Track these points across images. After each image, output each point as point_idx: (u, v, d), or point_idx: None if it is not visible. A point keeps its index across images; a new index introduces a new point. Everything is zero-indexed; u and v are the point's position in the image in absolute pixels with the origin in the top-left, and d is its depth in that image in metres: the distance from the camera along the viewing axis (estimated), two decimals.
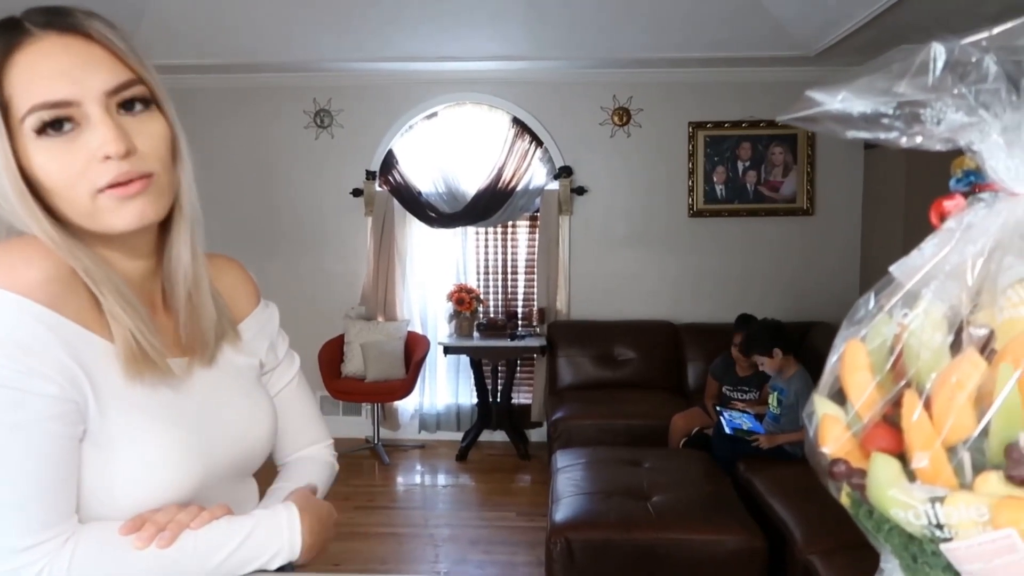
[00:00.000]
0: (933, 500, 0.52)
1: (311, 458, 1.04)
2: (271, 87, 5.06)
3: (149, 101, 0.80)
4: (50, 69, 0.74)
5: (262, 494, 1.00)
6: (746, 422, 3.64)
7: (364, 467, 4.78)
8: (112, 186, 0.76)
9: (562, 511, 2.85)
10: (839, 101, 0.61)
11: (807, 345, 4.50)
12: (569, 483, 3.09)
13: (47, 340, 0.73)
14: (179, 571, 0.78)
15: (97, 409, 0.77)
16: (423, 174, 5.07)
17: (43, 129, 0.74)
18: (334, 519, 0.94)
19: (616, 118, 5.04)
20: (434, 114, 5.09)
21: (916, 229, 4.25)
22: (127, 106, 0.78)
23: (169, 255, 0.87)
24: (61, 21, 0.76)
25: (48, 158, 0.75)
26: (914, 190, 4.33)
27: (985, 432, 0.52)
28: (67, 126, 0.75)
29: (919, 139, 0.60)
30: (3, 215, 0.78)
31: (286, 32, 4.34)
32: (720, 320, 4.70)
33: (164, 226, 0.87)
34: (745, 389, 4.02)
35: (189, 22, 4.00)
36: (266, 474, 1.00)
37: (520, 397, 5.18)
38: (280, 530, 0.84)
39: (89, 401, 0.77)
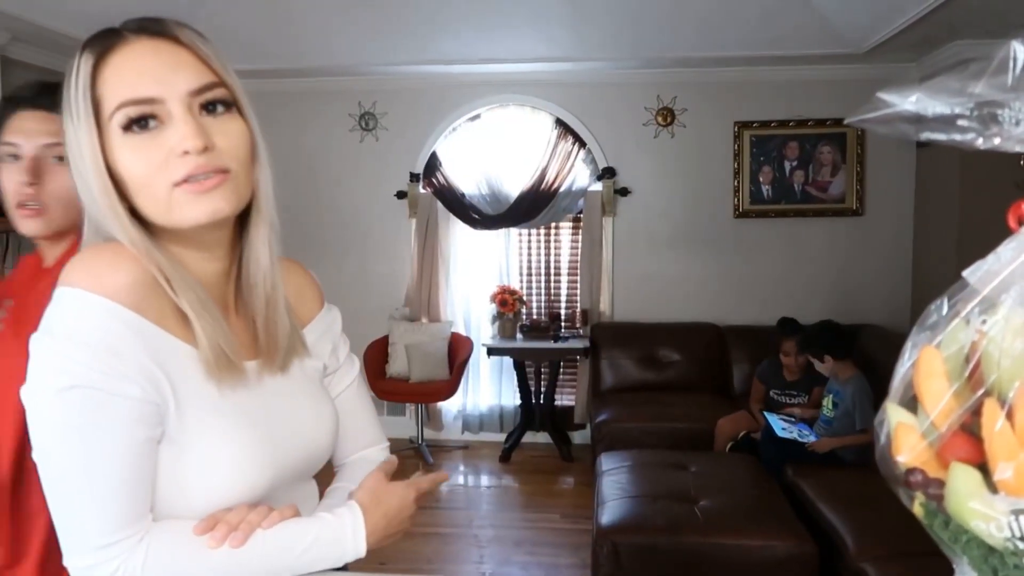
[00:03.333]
0: (1017, 512, 0.51)
1: (370, 460, 1.06)
2: (316, 91, 5.13)
3: (230, 103, 0.83)
4: (138, 69, 0.79)
5: (321, 494, 1.01)
6: (794, 432, 3.58)
7: (408, 467, 4.75)
8: (188, 181, 0.79)
9: (608, 514, 2.83)
10: (913, 102, 0.60)
11: (856, 348, 4.42)
12: (615, 486, 3.07)
13: (132, 343, 0.76)
14: (249, 571, 0.80)
15: (176, 411, 0.79)
16: (466, 176, 5.10)
17: (129, 126, 0.78)
18: (407, 506, 0.96)
19: (660, 118, 5.01)
20: (477, 116, 5.11)
21: (971, 230, 4.14)
22: (209, 107, 0.81)
23: (248, 257, 0.90)
24: (153, 26, 0.81)
25: (132, 153, 0.79)
26: (968, 190, 4.22)
27: None
28: (151, 123, 0.79)
29: (997, 140, 0.58)
30: (92, 216, 0.82)
31: (331, 36, 4.40)
32: (766, 322, 4.63)
33: (241, 228, 0.89)
34: (793, 393, 3.96)
35: (235, 27, 4.08)
36: (324, 475, 1.02)
37: (563, 399, 5.16)
38: (345, 534, 0.85)
39: (169, 403, 0.79)
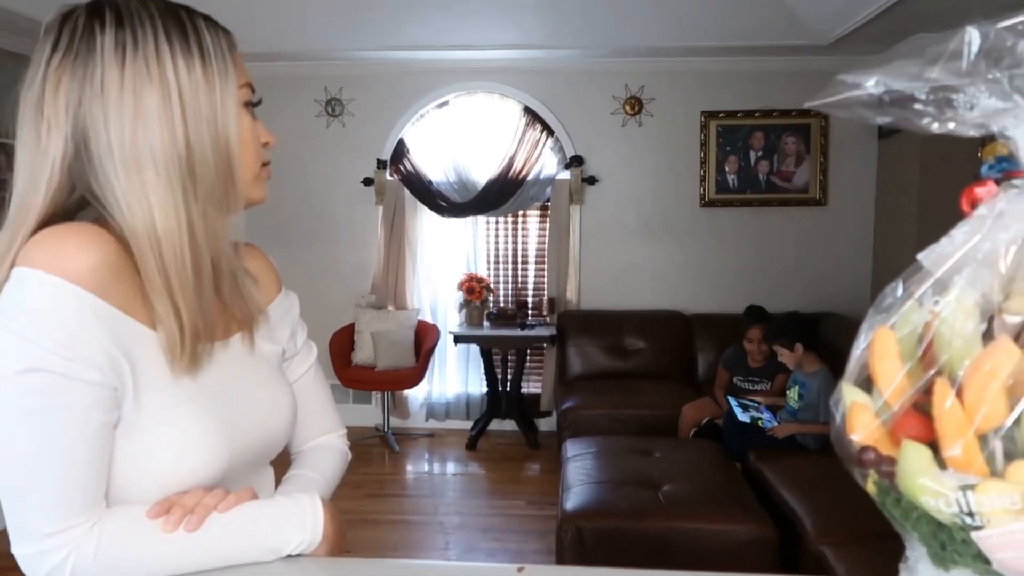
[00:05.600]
0: (964, 488, 0.52)
1: (326, 447, 1.05)
2: (282, 76, 5.05)
3: None
4: (243, 63, 0.88)
5: (277, 482, 1.00)
6: (755, 417, 3.63)
7: (374, 455, 4.80)
8: (266, 167, 0.91)
9: (573, 500, 2.85)
10: (872, 86, 0.61)
11: (819, 335, 4.49)
12: (579, 472, 3.09)
13: (92, 327, 0.74)
14: (205, 555, 0.78)
15: (134, 395, 0.78)
16: (434, 163, 5.07)
17: (251, 103, 0.88)
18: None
19: (628, 107, 5.02)
20: (445, 103, 5.08)
21: (930, 219, 4.22)
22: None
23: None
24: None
25: (252, 126, 0.87)
26: (928, 180, 4.30)
27: (1018, 421, 0.52)
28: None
29: (952, 124, 0.59)
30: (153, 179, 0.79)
31: (298, 21, 4.33)
32: (731, 311, 4.69)
33: None
34: (756, 380, 4.01)
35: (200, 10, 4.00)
36: (281, 461, 1.01)
37: (530, 386, 5.19)
38: (304, 518, 0.84)
39: (128, 387, 0.77)
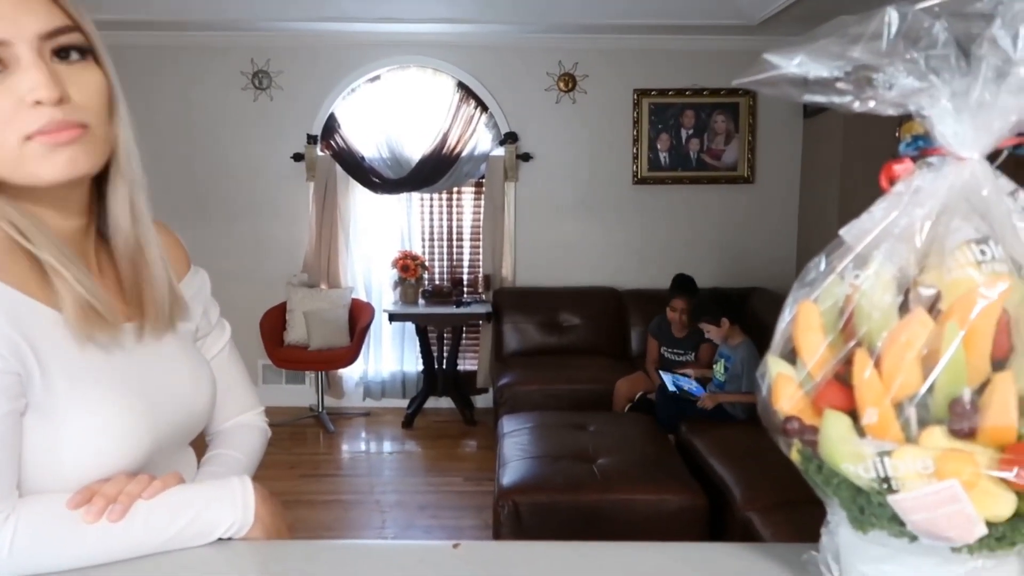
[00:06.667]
0: (881, 454, 0.54)
1: (246, 425, 1.03)
2: (205, 45, 4.87)
3: (86, 51, 0.75)
4: None
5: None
6: (686, 385, 3.72)
7: (308, 436, 4.74)
8: (42, 133, 0.71)
9: (509, 475, 2.88)
10: (795, 65, 0.62)
11: (747, 310, 4.62)
12: (516, 447, 3.12)
13: None
14: (131, 545, 0.75)
15: (41, 379, 0.73)
16: (366, 139, 4.98)
17: None
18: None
19: (562, 84, 5.02)
20: (377, 77, 4.99)
21: (852, 197, 4.37)
22: (62, 54, 0.73)
23: (106, 217, 0.83)
24: None
25: None
26: (850, 159, 4.44)
27: (931, 389, 0.55)
28: None
29: (872, 103, 0.61)
30: None
31: None
32: (662, 286, 4.76)
33: (100, 186, 0.82)
34: (680, 352, 4.11)
35: None
36: (199, 442, 0.98)
37: (466, 364, 5.19)
38: (234, 500, 0.81)
39: (33, 372, 0.73)
